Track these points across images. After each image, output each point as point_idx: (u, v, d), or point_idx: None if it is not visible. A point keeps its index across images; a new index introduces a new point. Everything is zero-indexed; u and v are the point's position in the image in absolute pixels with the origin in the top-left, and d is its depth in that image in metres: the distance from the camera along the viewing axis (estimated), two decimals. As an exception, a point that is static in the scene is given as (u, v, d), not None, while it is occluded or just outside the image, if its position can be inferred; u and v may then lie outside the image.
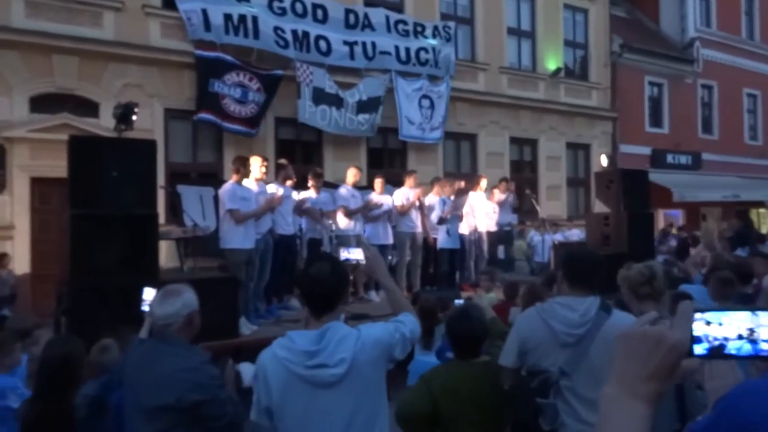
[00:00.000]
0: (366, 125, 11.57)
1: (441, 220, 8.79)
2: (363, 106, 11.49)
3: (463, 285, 9.15)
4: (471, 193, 9.57)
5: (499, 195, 10.16)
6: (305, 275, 2.16)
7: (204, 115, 9.89)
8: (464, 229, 9.42)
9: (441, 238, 8.92)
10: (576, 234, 13.19)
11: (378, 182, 8.71)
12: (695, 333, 0.98)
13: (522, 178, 14.49)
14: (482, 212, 9.71)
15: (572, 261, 2.62)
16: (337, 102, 11.15)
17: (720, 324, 0.99)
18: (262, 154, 7.89)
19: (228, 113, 10.07)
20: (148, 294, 3.77)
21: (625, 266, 2.97)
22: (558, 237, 12.23)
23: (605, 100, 16.36)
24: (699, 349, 0.98)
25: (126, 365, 2.64)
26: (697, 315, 0.99)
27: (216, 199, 7.79)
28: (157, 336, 2.58)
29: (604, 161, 11.98)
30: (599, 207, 10.58)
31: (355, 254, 2.61)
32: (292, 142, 11.45)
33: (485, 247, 9.75)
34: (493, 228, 9.89)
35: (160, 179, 7.48)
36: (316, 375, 2.00)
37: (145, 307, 3.74)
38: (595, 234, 8.91)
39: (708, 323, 0.99)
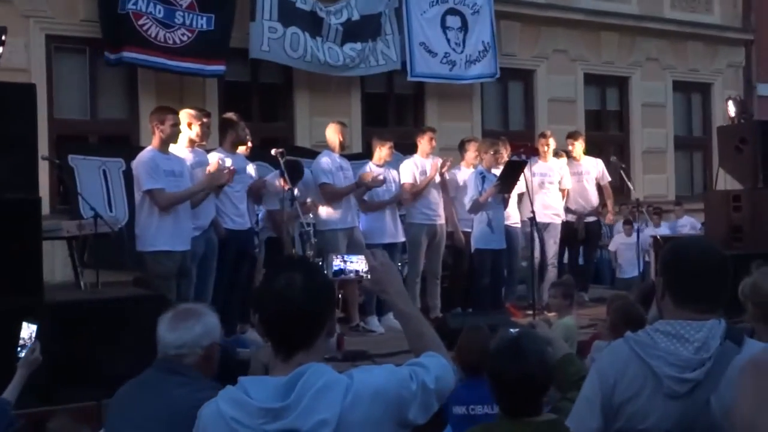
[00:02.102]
0: (358, 59, 11.54)
1: (476, 206, 8.81)
2: (354, 30, 11.45)
3: (508, 306, 9.19)
4: (537, 162, 9.63)
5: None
6: (266, 293, 2.17)
7: (129, 54, 9.86)
8: (515, 218, 9.43)
9: (478, 234, 8.94)
10: (690, 224, 13.16)
11: (384, 148, 8.73)
12: None
13: (604, 138, 14.45)
14: (551, 191, 9.72)
15: (681, 264, 2.62)
16: (313, 24, 11.12)
17: None
18: (200, 106, 7.89)
19: (148, 40, 10.04)
20: (26, 331, 3.80)
21: (755, 266, 2.97)
22: (663, 231, 12.21)
23: (734, 15, 16.27)
24: None
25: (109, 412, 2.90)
26: None
27: (128, 175, 7.80)
28: (161, 366, 2.89)
29: (732, 110, 11.87)
30: (725, 182, 10.54)
31: (354, 263, 2.61)
32: (245, 86, 11.44)
33: (553, 248, 9.76)
34: (564, 217, 9.93)
35: (42, 146, 7.48)
36: None
37: (21, 353, 3.77)
38: (719, 224, 8.94)
39: None
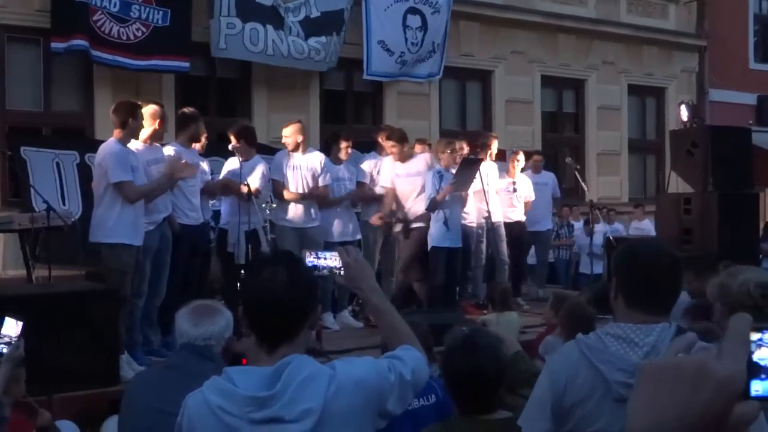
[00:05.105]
0: (320, 55, 11.51)
1: (434, 204, 8.84)
2: (314, 27, 11.42)
3: (465, 305, 9.23)
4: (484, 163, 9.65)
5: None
6: (250, 286, 2.24)
7: (76, 42, 9.72)
8: (471, 218, 9.48)
9: (435, 233, 8.97)
10: (643, 226, 13.33)
11: (341, 147, 8.73)
12: (758, 362, 0.99)
13: (560, 140, 14.58)
14: (501, 192, 9.78)
15: (632, 265, 2.66)
16: (276, 18, 11.07)
17: None
18: (156, 100, 7.82)
19: (102, 37, 9.93)
20: (9, 327, 3.73)
21: (723, 267, 2.98)
22: (616, 230, 12.36)
23: (689, 22, 16.53)
24: (759, 388, 0.98)
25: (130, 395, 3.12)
26: (755, 336, 0.99)
27: (82, 168, 7.70)
28: (193, 350, 3.15)
29: (684, 114, 12.10)
30: (677, 185, 10.70)
31: (328, 260, 2.61)
32: (203, 81, 11.35)
33: (504, 246, 9.84)
34: (517, 218, 9.99)
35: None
36: None
37: (2, 348, 3.71)
38: (671, 226, 9.06)
39: None
